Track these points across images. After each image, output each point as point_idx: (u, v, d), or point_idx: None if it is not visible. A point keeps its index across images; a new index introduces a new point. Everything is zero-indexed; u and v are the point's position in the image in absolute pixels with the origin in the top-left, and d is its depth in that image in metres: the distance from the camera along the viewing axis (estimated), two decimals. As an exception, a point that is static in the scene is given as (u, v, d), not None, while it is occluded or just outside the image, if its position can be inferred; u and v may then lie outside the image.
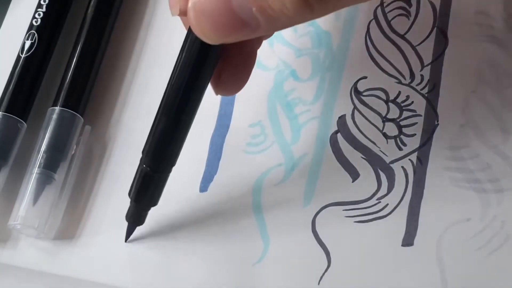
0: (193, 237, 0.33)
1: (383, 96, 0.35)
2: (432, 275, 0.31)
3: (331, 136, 0.34)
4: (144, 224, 0.33)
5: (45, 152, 0.34)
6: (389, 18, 0.36)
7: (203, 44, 0.27)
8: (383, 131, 0.34)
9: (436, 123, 0.34)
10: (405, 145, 0.34)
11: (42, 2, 0.37)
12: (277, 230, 0.33)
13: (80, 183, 0.35)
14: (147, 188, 0.31)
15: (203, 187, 0.34)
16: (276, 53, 0.37)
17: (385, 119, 0.34)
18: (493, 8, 0.36)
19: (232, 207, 0.34)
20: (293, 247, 0.32)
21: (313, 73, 0.36)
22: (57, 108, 0.35)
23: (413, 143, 0.34)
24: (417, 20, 0.36)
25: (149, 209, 0.32)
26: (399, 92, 0.35)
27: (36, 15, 0.37)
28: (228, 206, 0.34)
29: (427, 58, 0.35)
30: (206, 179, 0.34)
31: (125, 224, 0.33)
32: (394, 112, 0.34)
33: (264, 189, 0.34)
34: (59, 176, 0.34)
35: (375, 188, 0.33)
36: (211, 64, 0.28)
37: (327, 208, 0.33)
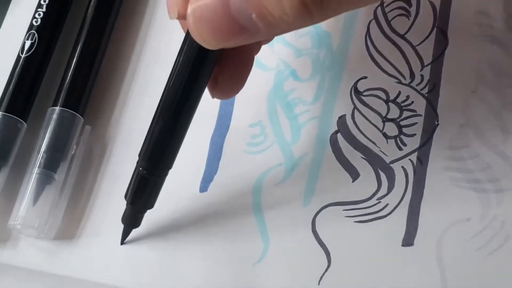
0: (193, 237, 0.33)
1: (383, 96, 0.35)
2: (432, 275, 0.31)
3: (331, 136, 0.34)
4: (143, 224, 0.33)
5: (45, 152, 0.34)
6: (389, 18, 0.36)
7: (201, 48, 0.27)
8: (383, 131, 0.34)
9: (436, 123, 0.34)
10: (405, 145, 0.34)
11: (42, 2, 0.37)
12: (277, 230, 0.33)
13: (80, 183, 0.35)
14: (143, 191, 0.31)
15: (203, 187, 0.34)
16: (276, 53, 0.37)
17: (385, 119, 0.34)
18: (493, 8, 0.36)
19: (232, 207, 0.34)
20: (293, 247, 0.32)
21: (313, 73, 0.36)
22: (57, 108, 0.35)
23: (413, 143, 0.34)
24: (417, 20, 0.36)
25: (145, 211, 0.32)
26: (399, 92, 0.35)
27: (36, 15, 0.37)
28: (228, 206, 0.34)
29: (427, 58, 0.35)
30: (206, 179, 0.34)
31: (122, 223, 0.33)
32: (394, 112, 0.34)
33: (264, 189, 0.34)
34: (59, 176, 0.34)
35: (375, 188, 0.33)
36: (209, 67, 0.28)
37: (327, 208, 0.33)
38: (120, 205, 0.33)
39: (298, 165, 0.34)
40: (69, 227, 0.34)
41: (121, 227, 0.33)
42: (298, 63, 0.36)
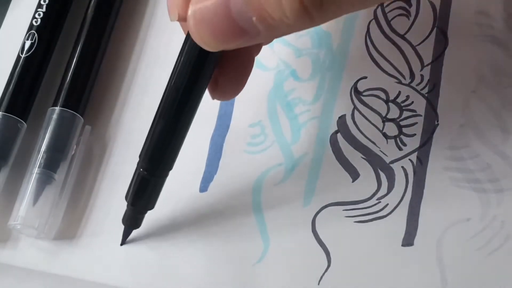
0: (193, 237, 0.33)
1: (383, 96, 0.35)
2: (432, 275, 0.31)
3: (331, 136, 0.34)
4: (143, 225, 0.33)
5: (45, 152, 0.34)
6: (389, 18, 0.36)
7: (201, 49, 0.27)
8: (383, 131, 0.34)
9: (436, 123, 0.34)
10: (405, 145, 0.34)
11: (42, 2, 0.37)
12: (277, 230, 0.33)
13: (80, 183, 0.35)
14: (143, 192, 0.31)
15: (203, 187, 0.34)
16: (276, 53, 0.37)
17: (385, 119, 0.34)
18: (493, 8, 0.36)
19: (232, 207, 0.34)
20: (293, 247, 0.32)
21: (313, 73, 0.36)
22: (57, 108, 0.35)
23: (413, 143, 0.34)
24: (417, 20, 0.36)
25: (145, 212, 0.32)
26: (399, 92, 0.35)
27: (36, 15, 0.37)
28: (228, 206, 0.34)
29: (427, 58, 0.35)
30: (206, 179, 0.34)
31: (122, 224, 0.33)
32: (394, 112, 0.34)
33: (264, 189, 0.34)
34: (59, 176, 0.34)
35: (375, 188, 0.33)
36: (209, 69, 0.28)
37: (327, 208, 0.33)
38: (120, 205, 0.33)
39: (298, 165, 0.34)
40: (69, 227, 0.34)
41: (121, 227, 0.33)
42: (298, 63, 0.36)
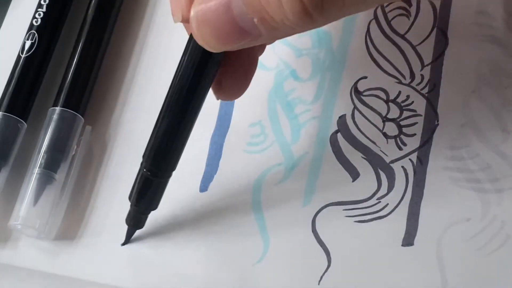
0: (193, 237, 0.33)
1: (383, 96, 0.35)
2: (432, 275, 0.31)
3: (331, 136, 0.34)
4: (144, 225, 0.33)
5: (45, 152, 0.34)
6: (389, 18, 0.36)
7: (204, 50, 0.27)
8: (383, 131, 0.34)
9: (436, 123, 0.34)
10: (405, 145, 0.34)
11: (42, 2, 0.37)
12: (277, 230, 0.33)
13: (80, 183, 0.35)
14: (147, 192, 0.31)
15: (203, 187, 0.34)
16: (276, 53, 0.37)
17: (385, 119, 0.34)
18: (493, 8, 0.36)
19: (232, 207, 0.34)
20: (293, 247, 0.32)
21: (313, 73, 0.36)
22: (58, 108, 0.35)
23: (413, 143, 0.34)
24: (417, 20, 0.36)
25: (149, 212, 0.32)
26: (399, 92, 0.35)
27: (36, 15, 0.37)
28: (228, 206, 0.34)
29: (427, 58, 0.35)
30: (206, 179, 0.34)
31: (126, 224, 0.33)
32: (394, 112, 0.34)
33: (264, 188, 0.34)
34: (59, 176, 0.34)
35: (375, 187, 0.33)
36: (213, 69, 0.28)
37: (327, 208, 0.33)
38: (120, 205, 0.33)
39: (298, 164, 0.34)
40: (69, 227, 0.34)
41: (121, 227, 0.33)
42: (298, 63, 0.36)
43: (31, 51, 0.36)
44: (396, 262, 0.31)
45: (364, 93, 0.35)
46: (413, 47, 0.35)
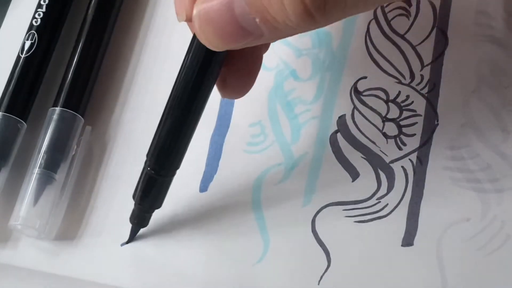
0: (193, 237, 0.33)
1: (383, 96, 0.35)
2: (432, 275, 0.31)
3: (331, 136, 0.34)
4: (144, 225, 0.33)
5: (45, 152, 0.34)
6: (389, 18, 0.36)
7: (208, 49, 0.27)
8: (383, 131, 0.34)
9: (436, 123, 0.34)
10: (405, 145, 0.34)
11: (42, 2, 0.37)
12: (277, 230, 0.33)
13: (80, 183, 0.35)
14: (151, 191, 0.31)
15: (203, 187, 0.34)
16: (276, 53, 0.37)
17: (385, 119, 0.34)
18: (493, 8, 0.36)
19: (232, 207, 0.34)
20: (293, 247, 0.32)
21: (313, 73, 0.36)
22: (58, 109, 0.35)
23: (413, 143, 0.34)
24: (417, 20, 0.36)
25: (153, 211, 0.32)
26: (399, 92, 0.35)
27: (36, 15, 0.37)
28: (228, 206, 0.34)
29: (427, 58, 0.35)
30: (206, 179, 0.34)
31: (126, 224, 0.33)
32: (394, 112, 0.34)
33: (264, 188, 0.34)
34: (59, 176, 0.34)
35: (375, 188, 0.33)
36: (216, 68, 0.28)
37: (327, 208, 0.33)
38: (121, 205, 0.33)
39: (298, 164, 0.34)
40: (69, 228, 0.34)
41: (122, 227, 0.33)
42: (298, 63, 0.36)
43: (31, 51, 0.36)
44: (396, 262, 0.31)
45: (364, 93, 0.35)
46: (413, 47, 0.35)
